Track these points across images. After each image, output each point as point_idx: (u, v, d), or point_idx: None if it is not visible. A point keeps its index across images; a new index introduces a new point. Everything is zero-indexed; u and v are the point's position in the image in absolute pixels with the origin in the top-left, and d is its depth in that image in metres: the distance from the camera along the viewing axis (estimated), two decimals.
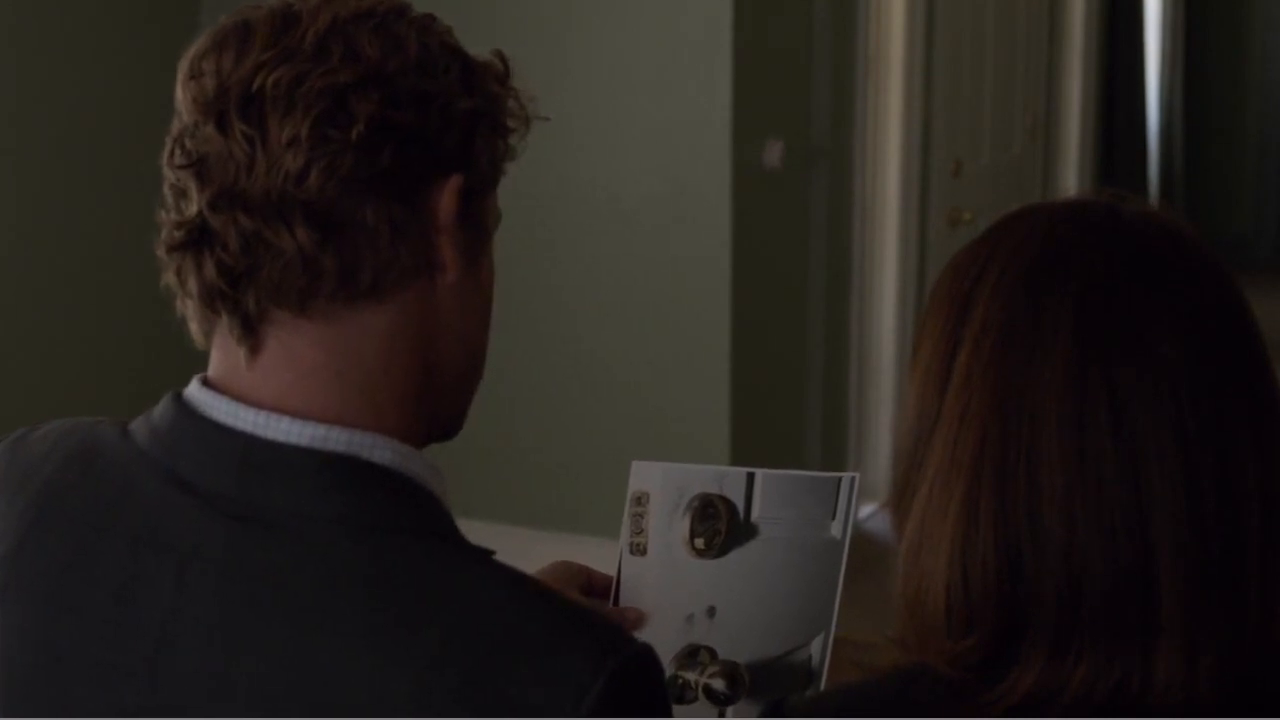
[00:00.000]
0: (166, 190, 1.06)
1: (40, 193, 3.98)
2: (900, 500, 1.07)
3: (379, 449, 1.05)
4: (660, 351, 4.33)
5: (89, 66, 4.10)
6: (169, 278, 1.07)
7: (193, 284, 1.05)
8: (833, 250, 4.75)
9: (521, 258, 4.07)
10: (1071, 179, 6.89)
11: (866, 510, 5.13)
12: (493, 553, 1.06)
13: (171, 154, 1.06)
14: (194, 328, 1.08)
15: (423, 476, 1.07)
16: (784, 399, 4.65)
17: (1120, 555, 0.98)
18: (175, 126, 1.07)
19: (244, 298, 1.03)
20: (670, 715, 1.03)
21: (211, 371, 1.08)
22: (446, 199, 1.06)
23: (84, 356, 4.07)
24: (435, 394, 1.11)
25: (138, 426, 1.10)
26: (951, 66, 5.43)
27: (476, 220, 1.11)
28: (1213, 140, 8.82)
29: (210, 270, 1.03)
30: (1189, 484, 0.99)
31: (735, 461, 4.31)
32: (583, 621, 1.00)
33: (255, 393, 1.05)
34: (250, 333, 1.05)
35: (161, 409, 1.09)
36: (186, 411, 1.07)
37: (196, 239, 1.03)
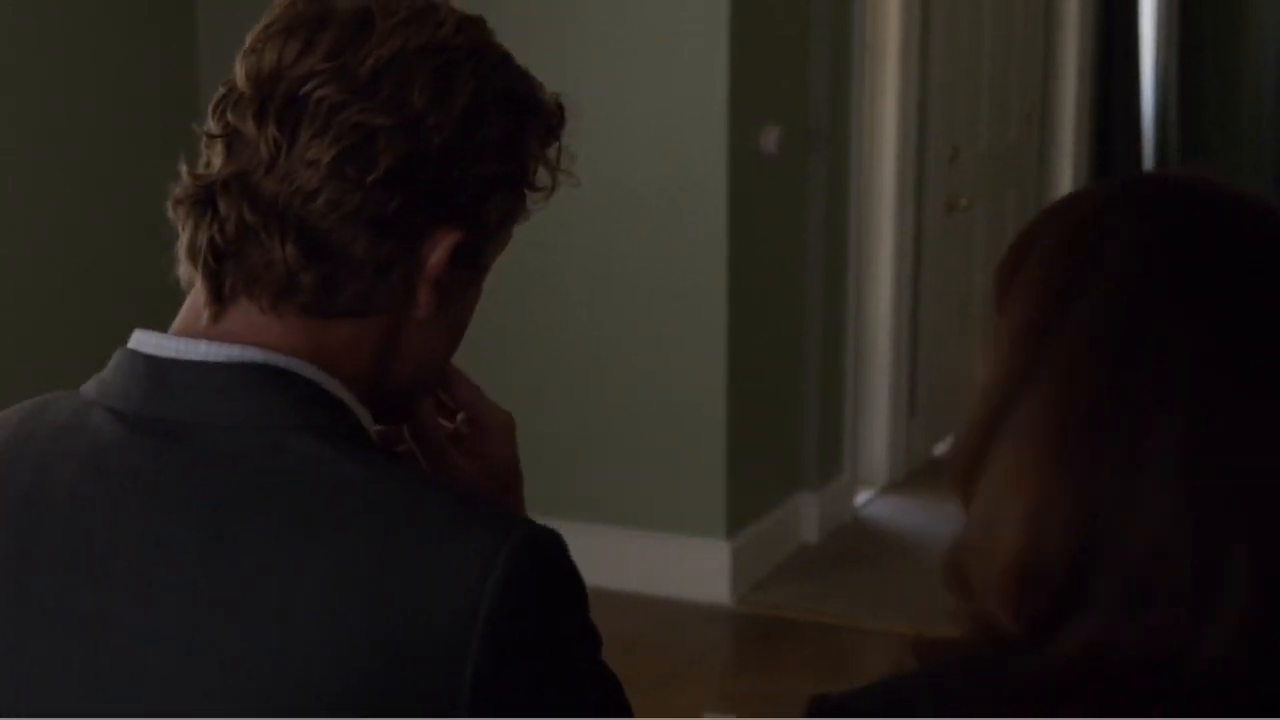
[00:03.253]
0: (202, 138, 1.11)
1: (34, 189, 3.96)
2: (974, 462, 1.02)
3: (295, 364, 1.09)
4: (657, 337, 4.32)
5: (85, 64, 4.08)
6: (172, 218, 1.12)
7: (185, 237, 1.10)
8: (830, 236, 4.75)
9: (518, 241, 4.05)
10: (1067, 166, 6.90)
11: (864, 497, 5.13)
12: (398, 453, 1.13)
13: (214, 111, 1.10)
14: (181, 272, 1.12)
15: (339, 393, 1.10)
16: (781, 383, 4.64)
17: (1198, 542, 0.95)
18: (227, 85, 1.11)
19: (224, 273, 1.09)
20: (583, 590, 1.07)
21: (176, 322, 1.13)
22: (440, 252, 1.10)
23: (82, 354, 4.06)
24: (379, 393, 1.15)
25: (88, 383, 1.15)
26: (948, 53, 5.42)
27: (470, 265, 1.14)
28: (1208, 129, 8.81)
29: (202, 238, 1.08)
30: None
31: (731, 448, 4.30)
32: (484, 503, 1.09)
33: (213, 332, 1.10)
34: (218, 302, 1.10)
35: (111, 362, 1.14)
36: (124, 353, 1.12)
37: (201, 203, 1.08)
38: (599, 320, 4.37)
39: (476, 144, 1.09)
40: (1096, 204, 1.05)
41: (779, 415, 4.65)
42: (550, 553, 1.05)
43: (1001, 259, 1.06)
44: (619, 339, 4.34)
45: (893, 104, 5.13)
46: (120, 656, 1.04)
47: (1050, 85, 6.69)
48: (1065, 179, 6.90)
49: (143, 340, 1.11)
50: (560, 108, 1.16)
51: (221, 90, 1.10)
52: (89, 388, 1.13)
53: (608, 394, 4.39)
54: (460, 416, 1.26)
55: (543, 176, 1.16)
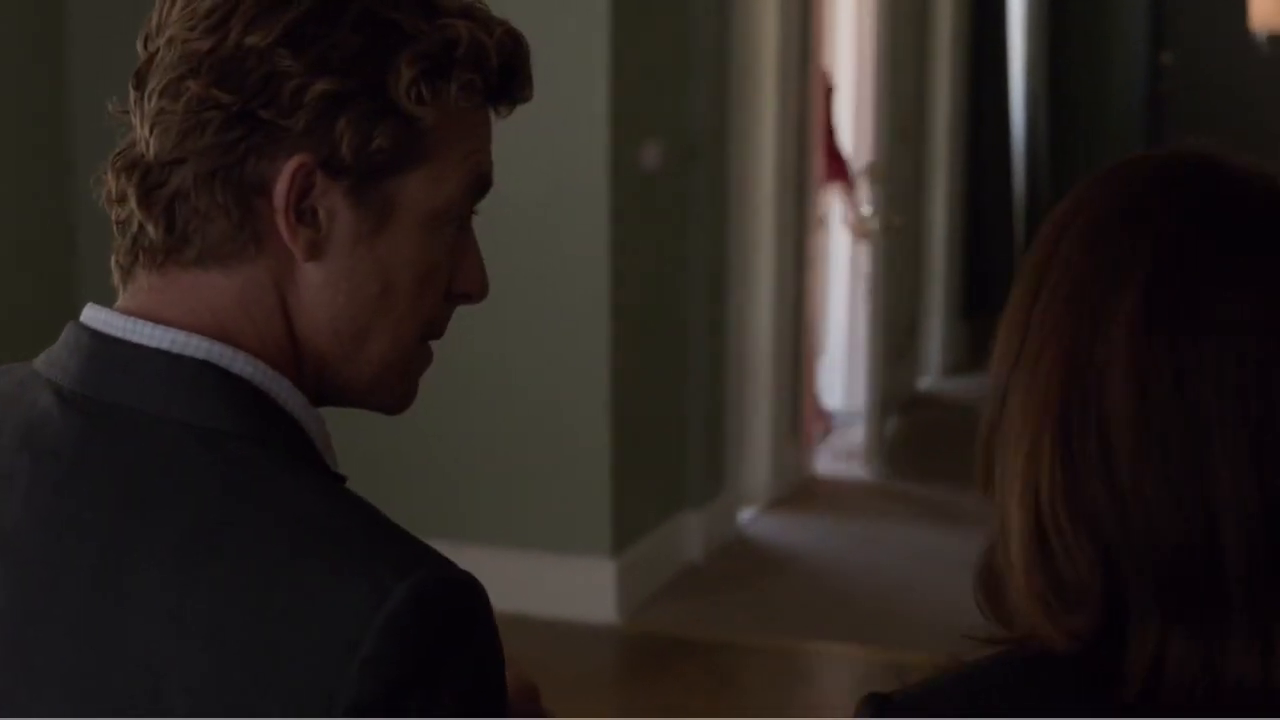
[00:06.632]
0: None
1: None
2: (986, 455, 1.02)
3: (239, 362, 1.06)
4: (539, 355, 4.29)
5: None
6: None
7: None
8: (711, 253, 4.74)
9: None
10: (941, 180, 6.98)
11: (747, 515, 5.12)
12: (344, 479, 1.07)
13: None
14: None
15: (283, 398, 1.07)
16: (664, 401, 4.63)
17: (1186, 524, 0.94)
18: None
19: (120, 243, 1.09)
20: (483, 646, 1.01)
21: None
22: (282, 181, 1.05)
23: None
24: (310, 361, 1.11)
25: (40, 355, 1.13)
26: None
27: (353, 198, 1.07)
28: (1076, 142, 8.96)
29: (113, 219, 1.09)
30: (1254, 460, 0.94)
31: (615, 466, 4.28)
32: (403, 539, 1.01)
33: (132, 306, 1.09)
34: (122, 271, 1.10)
35: (61, 334, 1.12)
36: (73, 325, 1.10)
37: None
38: (480, 337, 4.32)
39: (304, 62, 1.03)
40: (1068, 197, 1.04)
41: (662, 433, 4.63)
42: (445, 606, 0.98)
43: (1033, 256, 1.04)
44: (501, 357, 4.30)
45: (771, 118, 5.14)
46: (13, 635, 1.02)
47: (925, 100, 6.77)
48: (940, 192, 6.97)
49: (92, 315, 1.09)
50: (475, 45, 1.07)
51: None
52: (39, 359, 1.11)
53: (490, 412, 4.35)
54: None
55: (424, 112, 1.07)
